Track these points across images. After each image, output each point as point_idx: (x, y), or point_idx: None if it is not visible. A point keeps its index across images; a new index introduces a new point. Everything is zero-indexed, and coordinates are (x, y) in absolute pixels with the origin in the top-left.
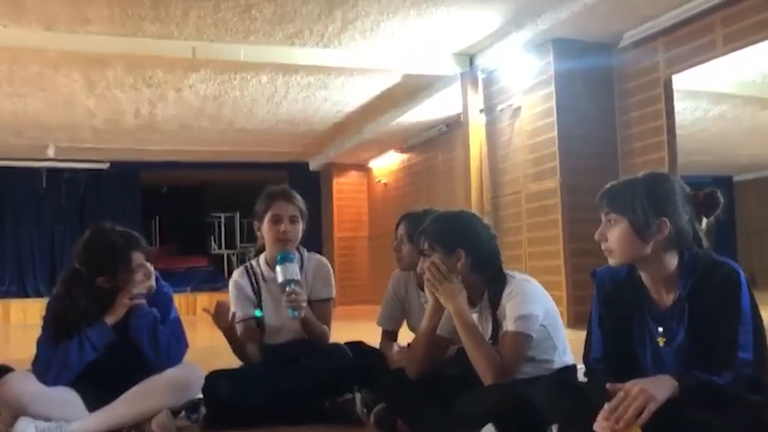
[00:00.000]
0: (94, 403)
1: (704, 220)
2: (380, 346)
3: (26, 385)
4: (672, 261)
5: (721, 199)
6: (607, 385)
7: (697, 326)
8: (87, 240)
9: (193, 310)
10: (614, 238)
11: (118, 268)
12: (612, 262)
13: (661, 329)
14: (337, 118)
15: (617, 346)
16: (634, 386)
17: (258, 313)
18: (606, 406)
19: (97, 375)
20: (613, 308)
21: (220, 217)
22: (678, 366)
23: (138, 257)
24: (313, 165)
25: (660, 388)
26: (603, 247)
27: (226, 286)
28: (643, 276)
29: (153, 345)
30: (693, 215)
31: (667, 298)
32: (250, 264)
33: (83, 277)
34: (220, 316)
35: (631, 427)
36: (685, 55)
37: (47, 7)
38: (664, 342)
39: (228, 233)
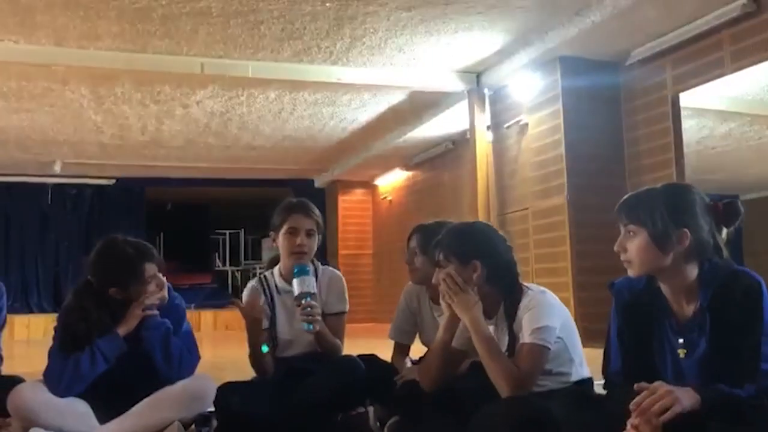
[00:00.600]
0: (105, 415)
1: (724, 231)
2: (392, 360)
3: (37, 395)
4: (692, 271)
5: (742, 209)
6: (636, 385)
7: (719, 337)
8: (99, 251)
9: (197, 326)
10: (634, 249)
11: (131, 279)
12: (631, 273)
13: (681, 341)
14: (343, 134)
15: (637, 359)
16: (662, 386)
17: (264, 348)
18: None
19: (109, 386)
20: (632, 319)
21: (224, 234)
22: (699, 378)
23: (151, 268)
24: (318, 182)
25: (684, 396)
26: (622, 258)
27: (230, 303)
28: (663, 287)
29: (165, 356)
30: (713, 225)
31: (688, 309)
32: (264, 276)
33: (95, 288)
34: (252, 307)
35: (653, 424)
36: (693, 73)
37: (58, 22)
38: (685, 354)
39: (232, 250)
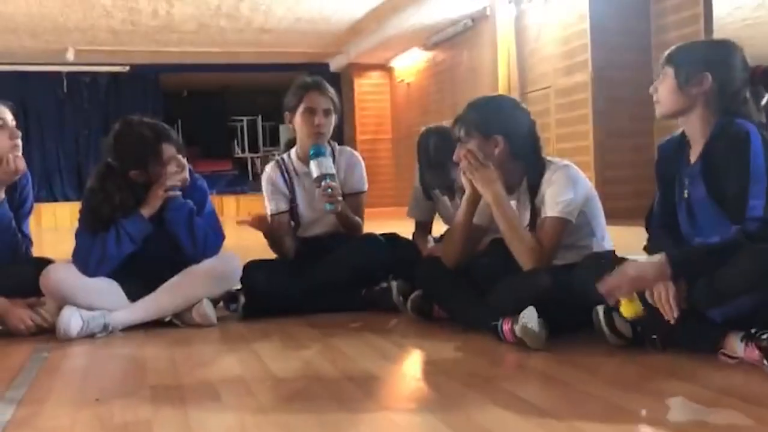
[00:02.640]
0: (134, 294)
1: (766, 97)
2: (414, 239)
3: (68, 274)
4: (710, 120)
5: None
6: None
7: (712, 183)
8: (116, 134)
9: (220, 212)
10: (662, 89)
11: (150, 160)
12: (657, 113)
13: (687, 180)
14: (357, 14)
15: (668, 205)
16: (626, 269)
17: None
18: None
19: (137, 267)
20: (663, 169)
21: (242, 121)
22: (700, 218)
23: (168, 149)
24: (334, 66)
25: (648, 269)
26: (654, 99)
27: (251, 189)
28: (687, 134)
29: (190, 236)
30: (748, 85)
31: (694, 151)
32: (282, 158)
33: (116, 171)
34: (261, 223)
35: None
36: None
37: None
38: (687, 193)
39: (251, 137)
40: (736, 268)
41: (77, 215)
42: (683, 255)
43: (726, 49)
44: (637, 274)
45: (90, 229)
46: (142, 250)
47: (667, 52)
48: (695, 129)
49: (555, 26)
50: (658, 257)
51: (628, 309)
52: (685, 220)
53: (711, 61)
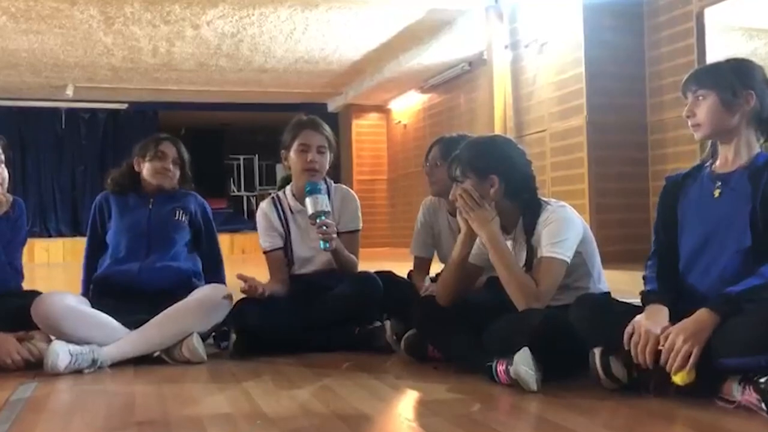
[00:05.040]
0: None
1: None
2: (412, 276)
3: (61, 302)
4: (751, 137)
5: None
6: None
7: (755, 205)
8: None
9: None
10: (704, 111)
11: None
12: (698, 135)
13: (718, 184)
14: (356, 56)
15: (668, 242)
16: (678, 335)
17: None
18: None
19: (136, 299)
20: (666, 195)
21: (239, 159)
22: (729, 217)
23: None
24: (332, 106)
25: (701, 329)
26: (691, 122)
27: (246, 227)
28: (720, 151)
29: None
30: None
31: (731, 163)
32: (277, 195)
33: None
34: (251, 290)
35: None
36: None
37: None
38: (719, 193)
39: (247, 175)
40: (757, 325)
41: (70, 252)
42: (729, 304)
43: (758, 68)
44: (691, 334)
45: None
46: (142, 282)
47: (691, 76)
48: (736, 148)
49: (551, 71)
50: (703, 314)
51: (682, 377)
52: (697, 225)
53: (752, 79)
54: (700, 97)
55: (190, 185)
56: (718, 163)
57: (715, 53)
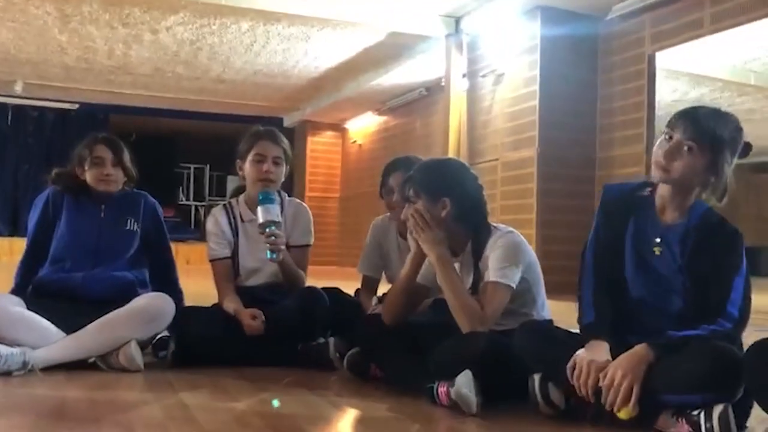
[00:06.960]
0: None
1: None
2: (359, 294)
3: None
4: (697, 189)
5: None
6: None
7: (696, 264)
8: None
9: None
10: (684, 164)
11: None
12: (659, 178)
13: (658, 240)
14: (316, 73)
15: (608, 270)
16: (617, 370)
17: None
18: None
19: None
20: (612, 213)
21: (189, 168)
22: (667, 278)
23: None
24: (288, 121)
25: (637, 363)
26: (661, 165)
27: (192, 237)
28: (662, 191)
29: None
30: None
31: (671, 216)
32: (229, 203)
33: None
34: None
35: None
36: (671, 32)
37: None
38: (660, 252)
39: (197, 185)
40: (697, 365)
41: (9, 251)
42: (664, 347)
43: (739, 127)
44: (629, 369)
45: None
46: (85, 290)
47: (691, 122)
48: (682, 196)
49: (506, 101)
50: (640, 349)
51: (627, 412)
52: (633, 275)
53: (734, 143)
54: (686, 149)
55: (135, 182)
56: (657, 202)
57: (662, 96)
